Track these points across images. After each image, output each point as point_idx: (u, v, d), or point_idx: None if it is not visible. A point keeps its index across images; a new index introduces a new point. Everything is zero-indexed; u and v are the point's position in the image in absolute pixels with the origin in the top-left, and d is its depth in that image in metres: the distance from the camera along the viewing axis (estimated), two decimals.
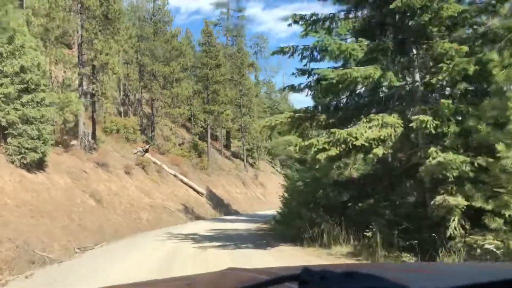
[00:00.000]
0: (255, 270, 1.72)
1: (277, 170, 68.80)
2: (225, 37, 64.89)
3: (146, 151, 32.99)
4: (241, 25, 57.32)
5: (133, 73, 37.77)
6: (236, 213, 36.89)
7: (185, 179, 34.24)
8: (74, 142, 24.46)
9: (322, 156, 10.20)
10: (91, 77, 24.65)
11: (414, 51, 11.28)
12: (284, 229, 16.38)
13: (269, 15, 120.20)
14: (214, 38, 43.92)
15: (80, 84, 24.24)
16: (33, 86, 15.75)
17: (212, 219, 29.17)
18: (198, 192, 34.39)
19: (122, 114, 38.35)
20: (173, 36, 38.03)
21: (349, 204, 12.68)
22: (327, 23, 12.28)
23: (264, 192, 50.40)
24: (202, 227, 20.57)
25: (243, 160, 55.64)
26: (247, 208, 40.51)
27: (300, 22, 12.26)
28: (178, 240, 15.33)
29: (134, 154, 31.08)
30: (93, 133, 26.75)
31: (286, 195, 18.42)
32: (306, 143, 10.52)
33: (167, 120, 38.51)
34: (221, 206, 35.33)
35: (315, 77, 12.14)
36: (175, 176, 33.64)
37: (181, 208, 28.58)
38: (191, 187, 34.13)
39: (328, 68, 11.83)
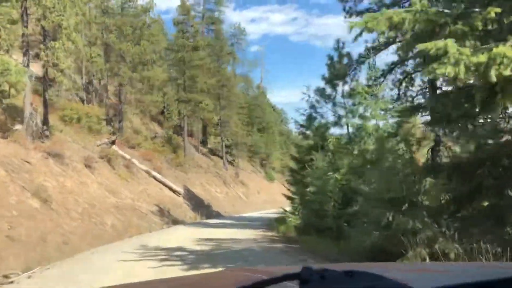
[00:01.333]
0: (254, 270, 1.76)
1: (257, 169, 64.19)
2: (200, 25, 59.82)
3: (113, 143, 27.78)
4: (219, 10, 52.19)
5: (97, 55, 32.48)
6: (219, 215, 31.99)
7: (159, 176, 29.16)
8: (18, 126, 19.18)
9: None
10: (41, 44, 19.44)
11: None
12: (325, 242, 11.41)
13: (240, 16, 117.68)
14: (192, 17, 38.85)
15: (26, 53, 18.94)
16: None
17: (194, 223, 24.23)
18: (174, 191, 29.36)
19: (85, 102, 32.93)
20: (144, 10, 32.79)
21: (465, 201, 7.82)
22: None
23: (246, 192, 45.63)
24: (187, 236, 15.64)
25: (221, 158, 50.76)
26: (229, 209, 35.66)
27: None
28: (157, 262, 10.22)
29: (98, 146, 25.85)
30: (45, 118, 21.42)
31: (311, 189, 13.64)
32: (484, 56, 5.42)
33: (137, 109, 33.32)
34: (201, 208, 30.37)
35: None
36: (147, 172, 28.53)
37: (155, 209, 23.55)
38: (166, 186, 29.08)
39: None
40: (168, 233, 18.18)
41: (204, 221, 25.97)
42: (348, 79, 16.19)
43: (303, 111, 18.91)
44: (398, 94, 14.72)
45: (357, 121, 16.57)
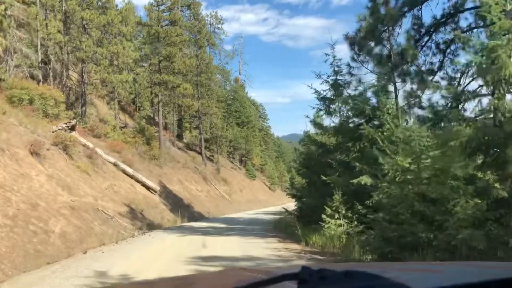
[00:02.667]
0: (255, 269, 1.96)
1: (237, 166, 59.18)
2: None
3: (72, 128, 22.46)
4: None
5: (55, 24, 27.00)
6: (201, 217, 26.94)
7: (130, 170, 23.94)
8: None
9: None
10: None
11: None
12: None
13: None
14: None
15: None
16: None
17: (174, 228, 19.14)
18: (148, 188, 24.19)
19: (41, 82, 27.37)
20: None
21: None
22: None
23: (228, 190, 40.63)
24: (172, 252, 10.64)
25: (200, 153, 45.66)
26: (213, 210, 30.62)
27: None
28: None
29: (54, 132, 20.52)
30: None
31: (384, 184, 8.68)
32: None
33: (103, 91, 27.94)
34: (180, 208, 25.25)
35: None
36: (115, 165, 23.28)
37: (124, 211, 18.39)
38: (139, 181, 23.87)
39: None
40: (143, 244, 13.07)
41: (187, 224, 20.87)
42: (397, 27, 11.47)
43: (327, 77, 14.15)
44: None
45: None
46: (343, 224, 10.68)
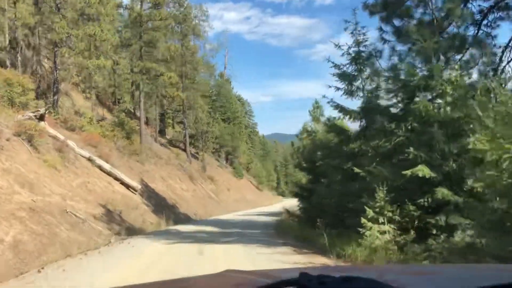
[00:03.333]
0: (254, 272, 1.79)
1: (223, 164, 56.46)
2: None
3: (41, 118, 19.57)
4: None
5: (24, 4, 24.08)
6: (188, 219, 24.27)
7: (107, 166, 21.14)
8: None
9: None
10: None
11: None
12: None
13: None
14: None
15: None
16: None
17: (159, 232, 16.44)
18: (128, 187, 21.43)
19: (9, 67, 24.39)
20: None
21: None
22: None
23: (215, 189, 37.95)
24: (165, 270, 7.88)
25: (184, 150, 42.88)
26: (200, 210, 27.95)
27: None
28: None
29: (17, 121, 17.65)
30: None
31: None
32: None
33: (79, 77, 25.04)
34: (165, 209, 22.52)
35: None
36: (89, 160, 20.47)
37: (99, 213, 15.65)
38: (117, 179, 21.10)
39: None
40: (119, 258, 10.35)
41: (173, 228, 18.18)
42: None
43: (347, 48, 11.60)
44: None
45: None
46: (388, 231, 8.11)
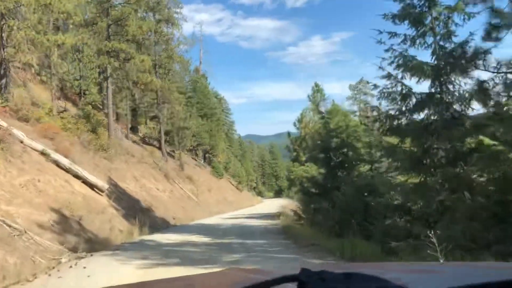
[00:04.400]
0: (255, 270, 1.88)
1: (201, 163, 52.41)
2: None
3: None
4: None
5: None
6: (166, 224, 20.36)
7: (65, 162, 17.08)
8: None
9: None
10: None
11: None
12: None
13: None
14: None
15: None
16: None
17: (131, 246, 12.43)
18: (93, 187, 17.39)
19: None
20: None
21: None
22: None
23: (195, 190, 33.95)
24: None
25: (159, 148, 38.78)
26: (179, 214, 24.01)
27: None
28: None
29: None
30: None
31: None
32: None
33: (31, 56, 20.79)
34: (138, 213, 18.57)
35: None
36: (43, 154, 16.40)
37: (49, 220, 11.67)
38: (79, 177, 17.04)
39: None
40: None
41: (150, 238, 14.18)
42: None
43: None
44: None
45: None
46: None
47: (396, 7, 8.20)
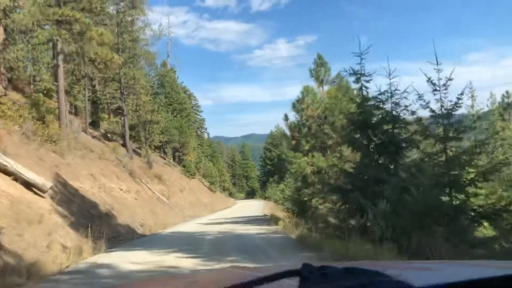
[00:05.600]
0: (258, 268, 1.96)
1: (170, 162, 47.65)
2: None
3: None
4: None
5: None
6: (131, 234, 15.86)
7: None
8: None
9: None
10: None
11: None
12: None
13: None
14: None
15: None
16: None
17: (77, 282, 7.93)
18: (29, 186, 12.78)
19: None
20: None
21: None
22: None
23: (166, 190, 29.38)
24: None
25: (124, 145, 34.04)
26: (148, 219, 19.50)
27: None
28: None
29: None
30: None
31: None
32: None
33: None
34: (93, 220, 14.07)
35: None
36: None
37: None
38: (9, 173, 12.41)
39: None
40: None
41: (106, 264, 9.32)
42: None
43: None
44: None
45: None
46: None
47: None
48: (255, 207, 44.79)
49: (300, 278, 0.92)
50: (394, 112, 9.63)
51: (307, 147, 15.80)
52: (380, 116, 9.82)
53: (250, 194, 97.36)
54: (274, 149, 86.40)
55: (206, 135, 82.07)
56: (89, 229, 12.62)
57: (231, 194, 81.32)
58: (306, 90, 16.30)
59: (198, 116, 74.84)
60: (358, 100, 10.30)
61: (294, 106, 16.43)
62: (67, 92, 35.65)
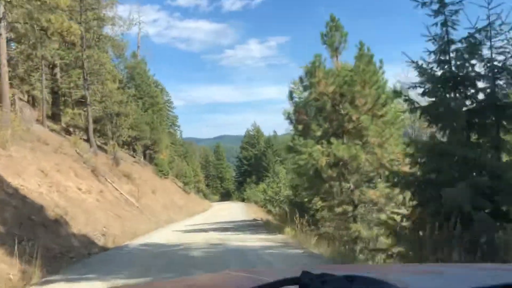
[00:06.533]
0: (256, 271, 1.79)
1: (141, 160, 43.35)
2: None
3: None
4: None
5: None
6: (88, 249, 11.82)
7: None
8: None
9: None
10: None
11: None
12: None
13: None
14: None
15: None
16: None
17: None
18: None
19: None
20: None
21: None
22: None
23: (135, 190, 25.25)
24: None
25: (87, 140, 29.83)
26: (113, 226, 15.48)
27: None
28: None
29: None
30: None
31: None
32: None
33: None
34: (33, 230, 10.13)
35: None
36: None
37: None
38: None
39: None
40: None
41: None
42: None
43: None
44: None
45: None
46: None
47: None
48: (236, 209, 41.01)
49: (300, 286, 0.90)
50: (495, 63, 6.16)
51: (319, 133, 12.23)
52: (470, 68, 6.31)
53: (225, 196, 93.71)
54: (251, 148, 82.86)
55: (178, 133, 77.72)
56: (28, 244, 8.75)
57: (205, 196, 77.48)
58: (317, 60, 12.69)
59: (171, 113, 70.53)
60: (438, 41, 6.67)
61: (301, 81, 12.81)
62: (22, 80, 31.24)
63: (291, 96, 13.92)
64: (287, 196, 25.97)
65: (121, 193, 22.27)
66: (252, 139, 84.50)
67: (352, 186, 11.84)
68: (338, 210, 11.61)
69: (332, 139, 11.73)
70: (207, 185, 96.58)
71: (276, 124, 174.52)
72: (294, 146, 12.11)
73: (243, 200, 69.94)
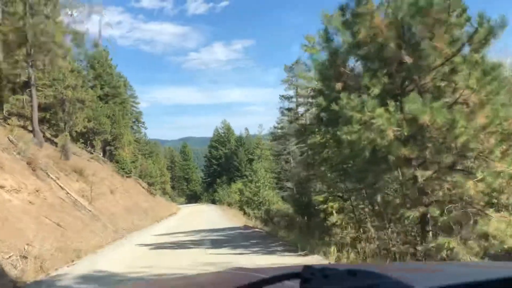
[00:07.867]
0: (258, 269, 1.81)
1: (99, 156, 37.84)
2: None
3: None
4: None
5: None
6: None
7: None
8: None
9: None
10: None
11: None
12: None
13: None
14: None
15: None
16: None
17: None
18: None
19: None
20: None
21: None
22: None
23: (87, 190, 20.04)
24: None
25: (31, 131, 24.52)
26: (48, 241, 10.48)
27: None
28: None
29: None
30: None
31: None
32: None
33: None
34: None
35: None
36: None
37: None
38: None
39: None
40: None
41: None
42: None
43: None
44: None
45: None
46: None
47: None
48: (211, 213, 36.19)
49: (302, 280, 0.90)
50: None
51: (376, 90, 7.69)
52: None
53: (192, 198, 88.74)
54: (221, 147, 77.95)
55: (143, 131, 71.95)
56: None
57: (170, 198, 72.22)
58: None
59: (135, 108, 64.82)
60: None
61: (343, 15, 8.22)
62: None
63: (325, 37, 9.13)
64: (291, 195, 21.62)
65: (67, 193, 17.16)
66: (222, 137, 79.66)
67: (433, 175, 7.40)
68: (409, 214, 7.18)
69: (413, 95, 7.22)
70: (173, 187, 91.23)
71: (242, 126, 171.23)
72: (341, 110, 7.49)
73: (213, 202, 65.00)
